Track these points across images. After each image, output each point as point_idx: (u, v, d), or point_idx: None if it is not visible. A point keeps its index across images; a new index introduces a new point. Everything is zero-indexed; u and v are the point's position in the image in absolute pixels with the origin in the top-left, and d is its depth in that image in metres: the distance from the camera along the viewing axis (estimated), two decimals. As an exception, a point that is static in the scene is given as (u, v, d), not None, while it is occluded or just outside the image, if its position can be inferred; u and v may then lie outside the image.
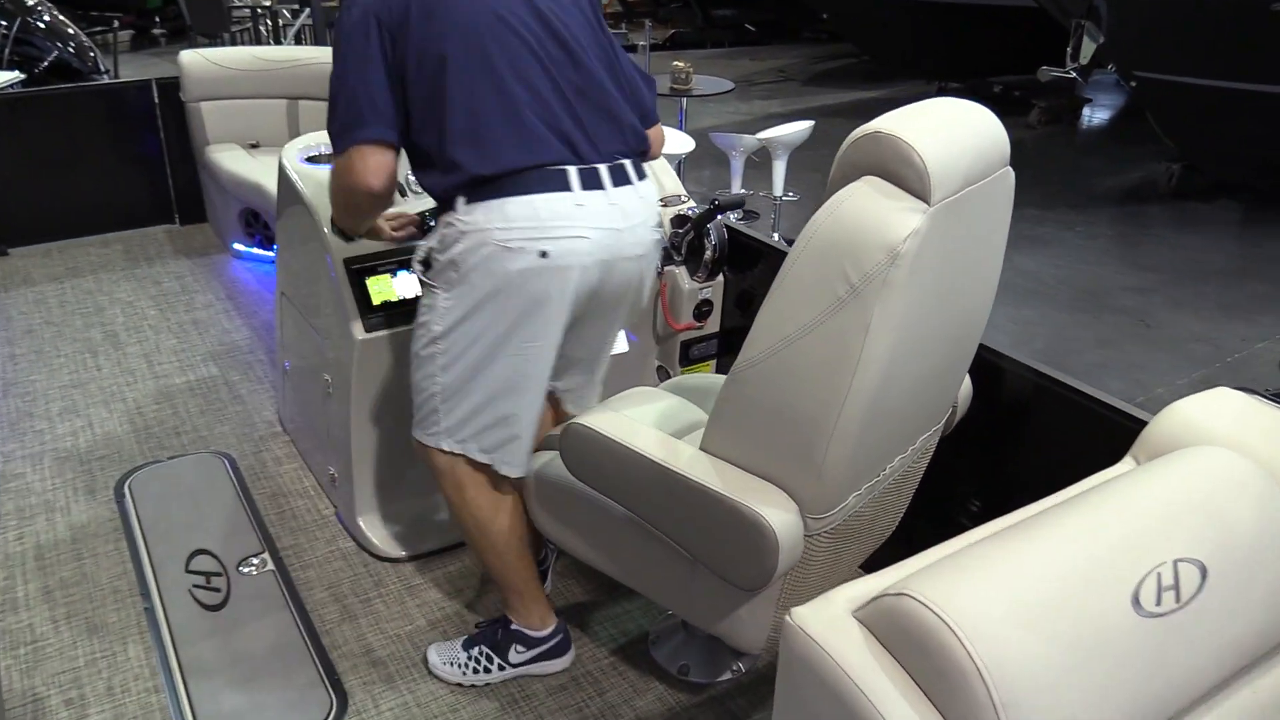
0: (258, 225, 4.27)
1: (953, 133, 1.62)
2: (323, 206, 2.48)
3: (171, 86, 4.43)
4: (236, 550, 2.64)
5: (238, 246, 4.40)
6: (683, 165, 5.64)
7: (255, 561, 2.60)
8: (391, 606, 2.47)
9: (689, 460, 1.76)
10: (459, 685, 2.23)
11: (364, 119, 1.85)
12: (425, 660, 2.28)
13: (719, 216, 2.71)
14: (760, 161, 5.92)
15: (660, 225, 2.12)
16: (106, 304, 4.00)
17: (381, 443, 2.60)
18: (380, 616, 2.44)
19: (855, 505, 1.81)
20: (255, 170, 4.11)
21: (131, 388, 3.41)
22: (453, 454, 2.06)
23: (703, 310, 2.82)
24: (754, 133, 5.46)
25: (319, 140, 2.78)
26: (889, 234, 1.49)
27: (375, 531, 2.65)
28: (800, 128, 5.24)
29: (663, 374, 2.91)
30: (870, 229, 1.51)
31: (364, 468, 2.61)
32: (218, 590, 2.50)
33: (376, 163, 1.88)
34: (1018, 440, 2.19)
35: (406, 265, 2.46)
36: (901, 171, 1.54)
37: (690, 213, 2.74)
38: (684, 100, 6.45)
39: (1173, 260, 5.96)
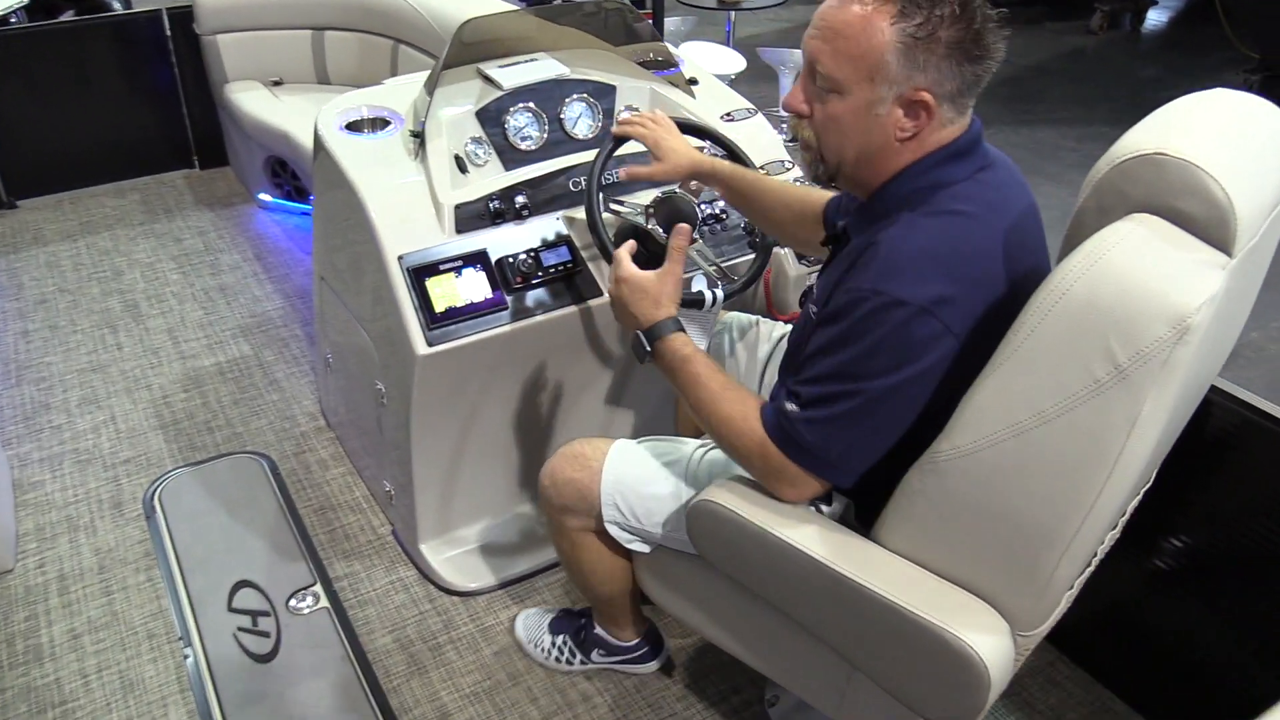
0: (285, 175, 3.81)
1: (1253, 150, 1.17)
2: (373, 192, 2.04)
3: (185, 17, 3.92)
4: (285, 582, 2.27)
5: (264, 197, 3.95)
6: (731, 85, 5.12)
7: (308, 597, 2.23)
8: (465, 656, 2.11)
9: (865, 562, 1.36)
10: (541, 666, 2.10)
11: (838, 467, 1.39)
12: (511, 629, 2.18)
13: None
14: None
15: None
16: (125, 267, 3.57)
17: (448, 462, 2.21)
18: (454, 669, 2.08)
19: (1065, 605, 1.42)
20: (281, 114, 3.64)
21: (156, 371, 3.01)
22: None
23: (807, 298, 2.38)
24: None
25: (361, 100, 2.31)
26: (1177, 300, 1.07)
27: (442, 561, 2.28)
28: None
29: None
30: (1150, 293, 1.08)
31: (428, 490, 2.23)
32: (266, 635, 2.14)
33: (808, 491, 1.44)
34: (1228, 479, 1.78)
35: (473, 263, 2.03)
36: (1194, 211, 1.11)
37: (795, 176, 2.29)
38: (732, 14, 5.87)
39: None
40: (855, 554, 1.37)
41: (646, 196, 2.19)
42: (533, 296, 2.06)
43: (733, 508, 1.45)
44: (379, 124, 2.26)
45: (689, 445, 1.75)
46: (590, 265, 2.12)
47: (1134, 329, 1.08)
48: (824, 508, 1.50)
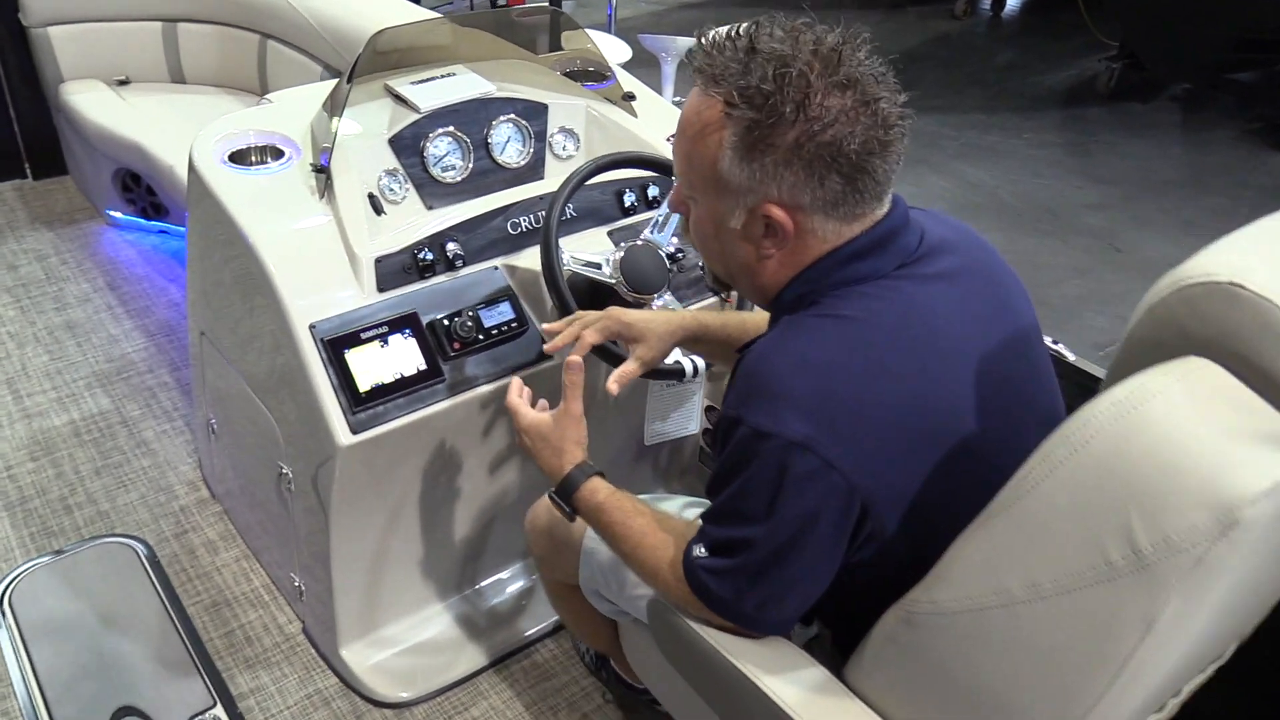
0: (139, 189, 3.28)
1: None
2: (273, 245, 1.64)
3: (8, 4, 3.31)
4: (177, 706, 1.86)
5: (114, 214, 3.40)
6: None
7: (206, 726, 1.83)
8: (408, 787, 1.75)
9: (825, 713, 1.10)
10: None
11: (758, 621, 1.16)
12: None
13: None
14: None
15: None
16: (-52, 302, 3.00)
17: (373, 556, 1.84)
18: (395, 807, 1.72)
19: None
20: (130, 121, 3.10)
21: (-5, 434, 2.50)
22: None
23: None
24: (687, 30, 4.61)
25: (246, 124, 1.88)
26: (1226, 483, 0.81)
27: (368, 669, 1.90)
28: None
29: (712, 416, 2.20)
30: (1192, 466, 0.82)
31: (349, 590, 1.85)
32: (159, 781, 1.73)
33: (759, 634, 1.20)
34: None
35: (400, 328, 1.65)
36: (1269, 364, 0.84)
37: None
38: (613, -2, 5.51)
39: (1125, 171, 5.49)
40: (816, 701, 1.10)
41: (601, 241, 1.86)
42: (472, 362, 1.71)
43: (688, 618, 1.19)
44: (270, 154, 1.85)
45: (692, 511, 1.46)
46: (535, 323, 1.78)
47: (1163, 509, 0.81)
48: (798, 626, 1.28)
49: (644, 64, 5.10)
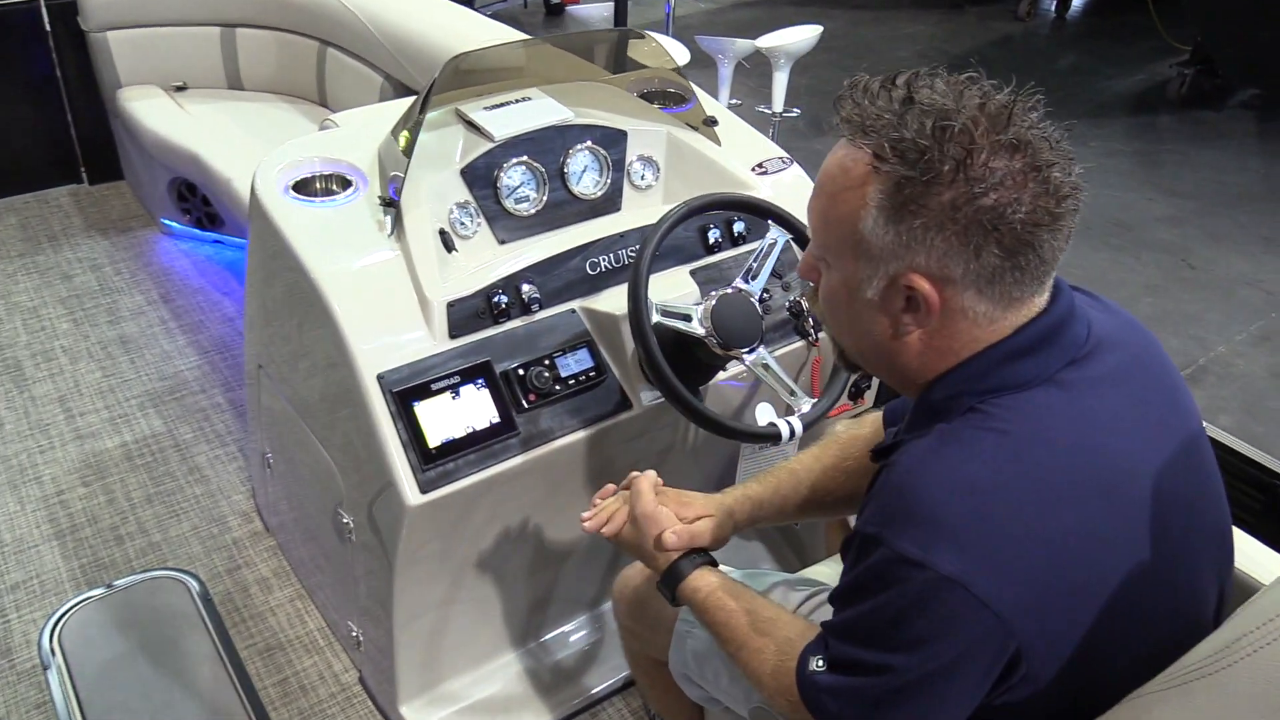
0: (194, 199, 3.19)
1: None
2: (340, 286, 1.52)
3: (68, 9, 3.24)
4: (228, 762, 1.75)
5: (169, 223, 3.31)
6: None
7: (259, 786, 1.72)
8: None
9: None
10: None
11: None
12: None
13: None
14: (752, 69, 4.97)
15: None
16: (2, 313, 2.92)
17: (437, 612, 1.72)
18: None
19: None
20: (188, 130, 3.01)
21: (47, 456, 2.41)
22: None
23: (862, 385, 1.94)
24: (742, 30, 4.43)
25: (312, 152, 1.77)
26: None
27: (429, 728, 1.78)
28: (806, 35, 4.24)
29: None
30: None
31: (412, 645, 1.74)
32: (209, 846, 1.63)
33: None
34: None
35: (473, 378, 1.53)
36: None
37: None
38: None
39: (1199, 183, 5.25)
40: None
41: (683, 283, 1.72)
42: (548, 415, 1.58)
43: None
44: (336, 184, 1.73)
45: (797, 594, 1.32)
46: (615, 370, 1.64)
47: None
48: None
49: (701, 65, 4.96)
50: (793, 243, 1.63)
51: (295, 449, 1.88)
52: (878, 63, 6.42)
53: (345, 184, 1.72)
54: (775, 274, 1.64)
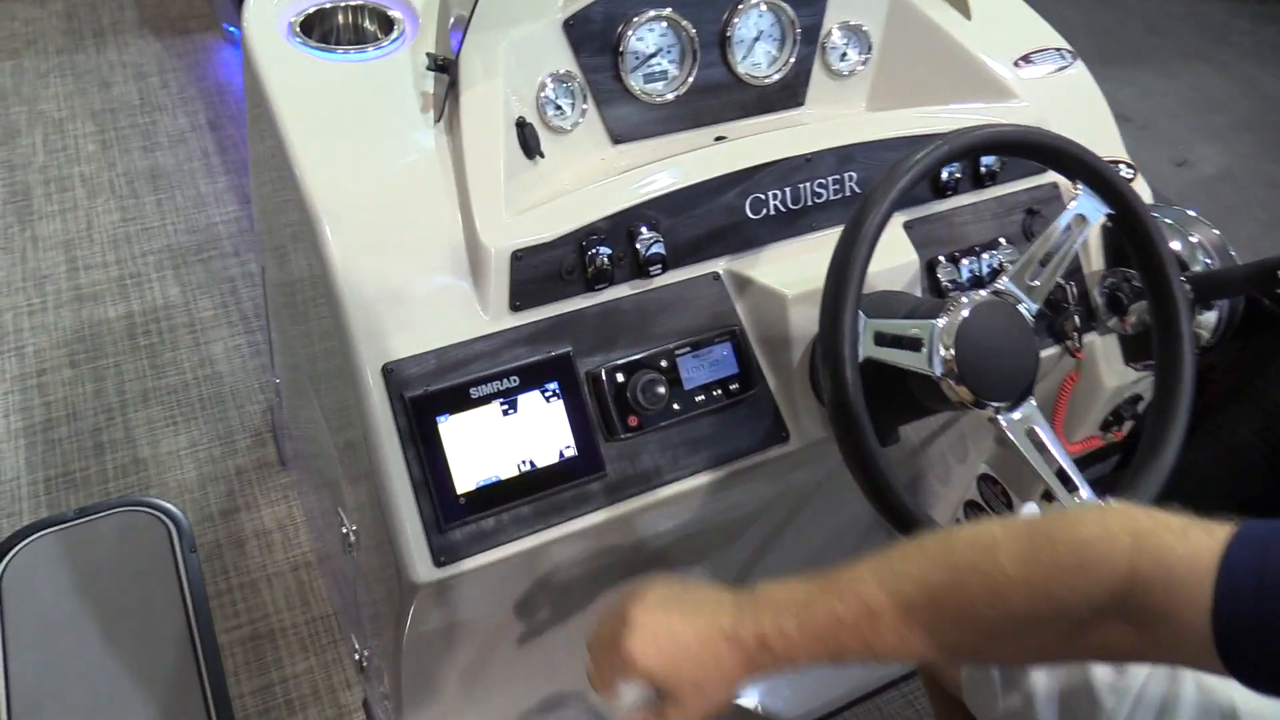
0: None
1: None
2: (339, 211, 0.90)
3: None
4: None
5: (232, 29, 2.69)
6: None
7: None
8: None
9: None
10: None
11: None
12: None
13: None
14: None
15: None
16: (24, 123, 2.38)
17: (453, 688, 1.16)
18: None
19: None
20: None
21: (36, 320, 1.91)
22: None
23: (1123, 413, 1.26)
24: None
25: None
26: None
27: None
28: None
29: (972, 512, 1.40)
30: None
31: (422, 710, 1.19)
32: None
33: None
34: None
35: (538, 381, 0.91)
36: None
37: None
38: None
39: None
40: None
41: (893, 238, 1.06)
42: (658, 446, 0.96)
43: None
44: (371, 22, 1.08)
45: None
46: (771, 379, 1.00)
47: None
48: None
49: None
50: (1106, 220, 0.94)
51: (299, 395, 1.32)
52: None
53: (385, 25, 1.07)
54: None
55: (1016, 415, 0.87)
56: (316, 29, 1.06)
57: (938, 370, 0.84)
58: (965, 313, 0.85)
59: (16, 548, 1.54)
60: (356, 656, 1.33)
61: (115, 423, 1.74)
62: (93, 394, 1.78)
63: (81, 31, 2.72)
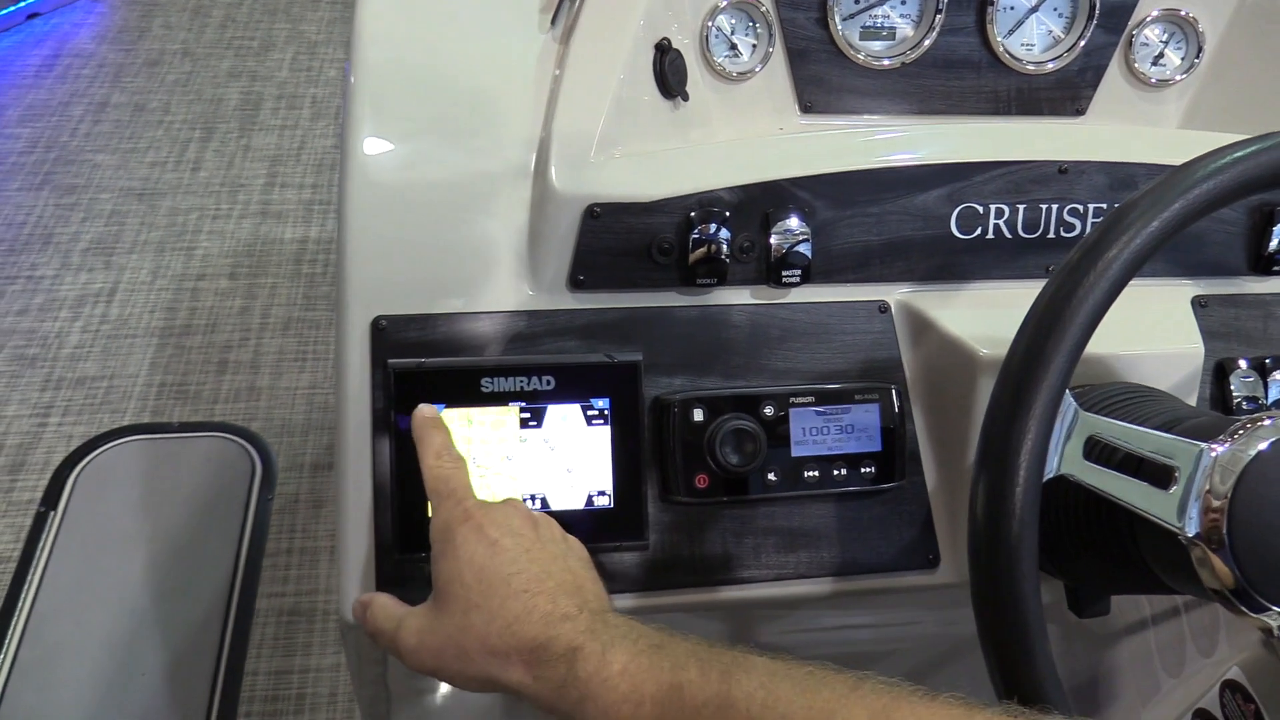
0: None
1: None
2: (383, 88, 0.66)
3: None
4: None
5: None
6: None
7: None
8: None
9: None
10: None
11: None
12: None
13: None
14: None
15: None
16: (280, 40, 2.38)
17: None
18: None
19: None
20: None
21: (217, 224, 1.86)
22: None
23: None
24: None
25: None
26: None
27: None
28: None
29: None
30: None
31: None
32: None
33: None
34: None
35: (582, 392, 0.63)
36: None
37: None
38: None
39: None
40: None
41: (1176, 335, 0.69)
42: (729, 530, 0.65)
43: None
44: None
45: None
46: (931, 470, 0.67)
47: None
48: None
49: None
50: None
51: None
52: None
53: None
54: None
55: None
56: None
57: (1191, 528, 0.49)
58: (1264, 445, 0.49)
59: (104, 447, 1.45)
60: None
61: (248, 344, 1.62)
62: (239, 310, 1.68)
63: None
